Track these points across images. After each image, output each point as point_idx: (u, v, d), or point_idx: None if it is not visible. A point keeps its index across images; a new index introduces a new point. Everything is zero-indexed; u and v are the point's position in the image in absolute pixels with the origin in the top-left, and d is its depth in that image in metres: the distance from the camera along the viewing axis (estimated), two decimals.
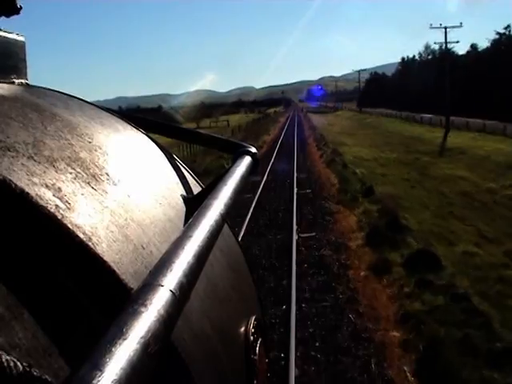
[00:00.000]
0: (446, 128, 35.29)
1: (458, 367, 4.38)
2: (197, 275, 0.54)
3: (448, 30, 40.14)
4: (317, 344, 5.20)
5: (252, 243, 8.65)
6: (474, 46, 64.64)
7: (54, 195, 0.56)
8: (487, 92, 50.19)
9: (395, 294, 6.22)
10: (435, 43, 50.56)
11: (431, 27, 40.61)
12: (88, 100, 1.11)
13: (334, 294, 6.43)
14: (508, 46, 53.36)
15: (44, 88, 1.04)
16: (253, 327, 0.92)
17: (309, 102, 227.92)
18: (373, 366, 4.73)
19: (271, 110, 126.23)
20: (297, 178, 15.63)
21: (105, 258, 0.55)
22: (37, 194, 0.54)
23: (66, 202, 0.57)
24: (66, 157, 0.67)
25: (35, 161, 0.60)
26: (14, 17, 0.96)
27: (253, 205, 11.57)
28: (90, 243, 0.54)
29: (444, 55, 45.52)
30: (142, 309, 0.42)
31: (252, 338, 0.90)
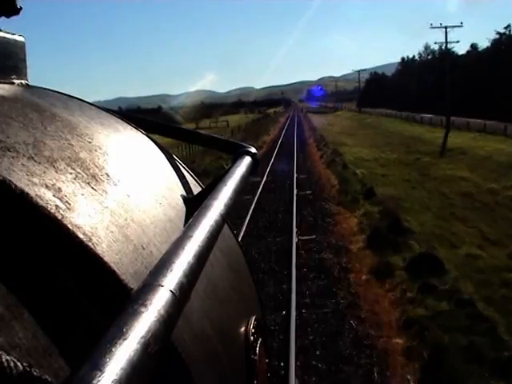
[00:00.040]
0: (447, 128, 35.22)
1: (463, 376, 4.24)
2: (197, 275, 0.54)
3: (448, 29, 40.18)
4: (317, 352, 5.05)
5: (251, 246, 8.55)
6: (474, 46, 64.76)
7: (54, 195, 0.57)
8: (487, 92, 50.18)
9: (397, 299, 6.06)
10: (435, 43, 50.55)
11: (431, 27, 40.60)
12: (88, 100, 1.11)
13: (335, 299, 6.30)
14: (508, 46, 53.36)
15: (44, 88, 1.04)
16: (253, 327, 0.92)
17: (309, 102, 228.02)
18: (375, 375, 4.59)
19: (271, 111, 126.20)
20: (297, 178, 15.57)
21: (105, 259, 0.55)
22: (37, 195, 0.54)
23: (66, 202, 0.57)
24: (66, 157, 0.67)
25: (35, 161, 0.60)
26: (14, 17, 0.96)
27: (252, 206, 11.48)
28: (90, 243, 0.54)
29: (444, 55, 45.52)
30: (142, 309, 0.42)
31: (252, 338, 0.90)
